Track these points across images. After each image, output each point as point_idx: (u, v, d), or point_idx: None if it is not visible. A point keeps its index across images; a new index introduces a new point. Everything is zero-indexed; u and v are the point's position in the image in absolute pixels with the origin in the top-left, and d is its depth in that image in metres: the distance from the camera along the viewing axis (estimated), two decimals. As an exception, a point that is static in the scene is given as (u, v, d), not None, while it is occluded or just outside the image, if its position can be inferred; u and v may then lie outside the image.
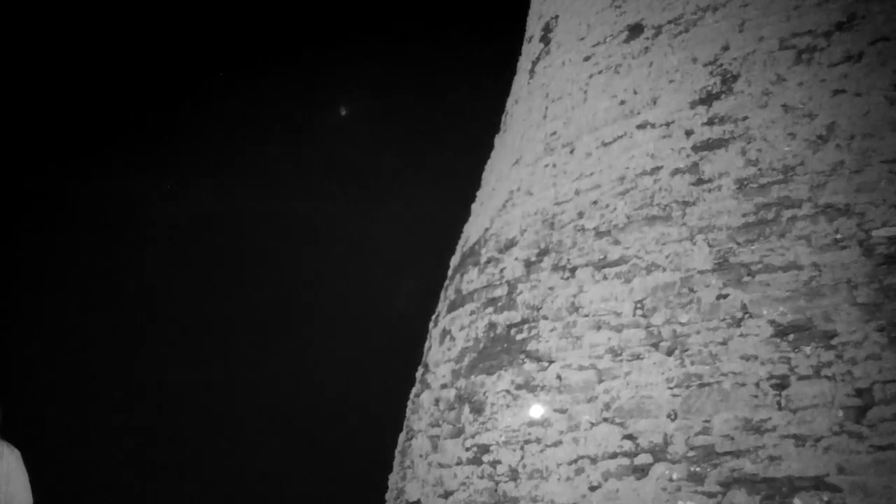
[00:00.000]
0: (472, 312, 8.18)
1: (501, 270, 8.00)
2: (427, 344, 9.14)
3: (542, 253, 7.64)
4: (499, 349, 7.64)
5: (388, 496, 9.02)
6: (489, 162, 9.65)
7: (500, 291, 7.93)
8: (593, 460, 6.60)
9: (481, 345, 7.89)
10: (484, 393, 7.62)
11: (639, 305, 6.72)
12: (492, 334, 7.79)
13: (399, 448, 9.07)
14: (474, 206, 9.43)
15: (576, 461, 6.72)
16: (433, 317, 9.25)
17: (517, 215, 8.19)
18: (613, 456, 6.49)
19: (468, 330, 8.16)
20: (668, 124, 7.20)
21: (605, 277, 7.04)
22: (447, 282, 9.28)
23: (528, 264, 7.73)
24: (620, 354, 6.69)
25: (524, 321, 7.52)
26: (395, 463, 9.07)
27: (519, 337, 7.49)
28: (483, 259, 8.37)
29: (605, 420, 6.62)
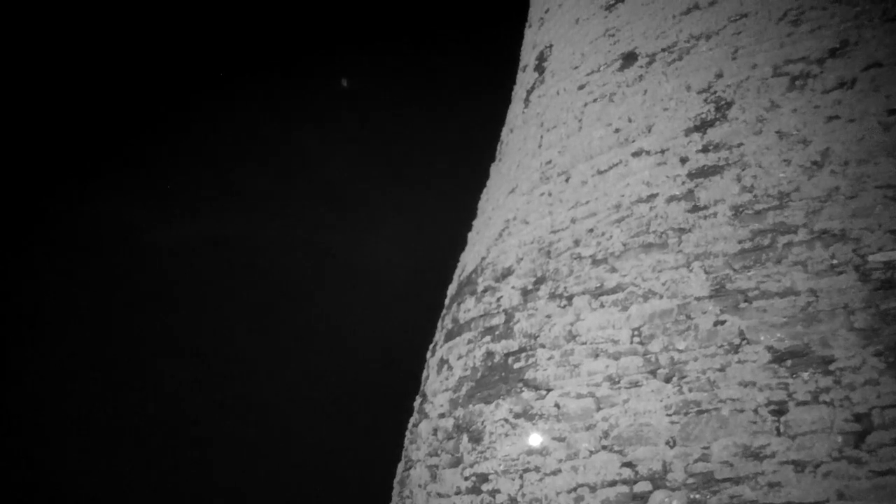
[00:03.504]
0: (470, 341, 8.17)
1: (498, 299, 8.00)
2: (425, 374, 9.12)
3: (539, 281, 7.63)
4: (496, 378, 7.62)
5: (386, 527, 8.98)
6: (485, 191, 9.66)
7: (498, 320, 7.92)
8: (592, 489, 6.58)
9: (479, 374, 7.87)
10: (482, 422, 7.60)
11: (636, 333, 6.72)
12: (489, 363, 7.77)
13: (397, 478, 9.04)
14: (471, 235, 9.43)
15: (575, 489, 6.69)
16: (430, 346, 9.24)
17: (513, 244, 8.19)
18: (612, 484, 6.46)
19: (466, 359, 8.14)
20: (662, 151, 7.22)
21: (602, 305, 7.03)
22: (444, 311, 9.27)
23: (525, 293, 7.72)
24: (618, 382, 6.68)
25: (522, 350, 7.50)
26: (394, 493, 9.04)
27: (517, 365, 7.47)
28: (480, 288, 8.37)
29: (604, 448, 6.60)
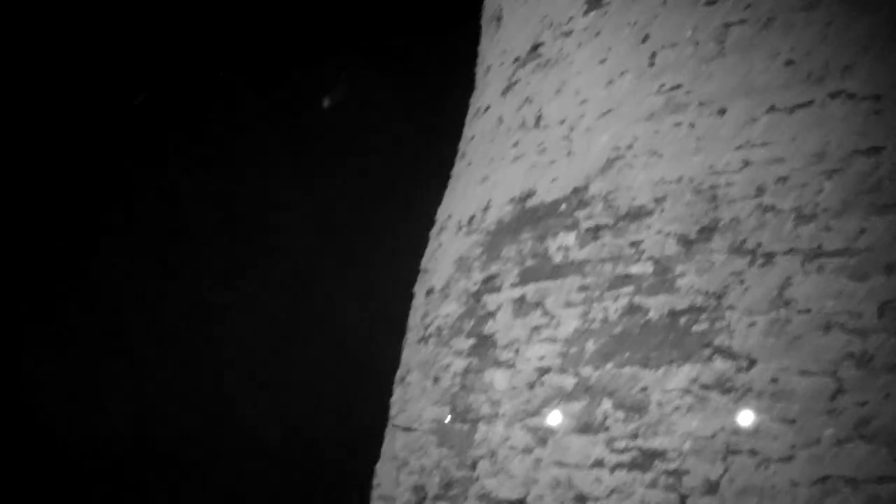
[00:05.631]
0: (586, 288, 7.07)
1: (636, 244, 6.95)
2: (475, 312, 7.75)
3: (708, 230, 6.71)
4: (659, 339, 6.67)
5: (443, 489, 7.62)
6: (530, 105, 8.24)
7: (642, 269, 6.91)
8: (851, 481, 5.89)
9: (618, 329, 6.86)
10: (642, 389, 6.63)
11: (889, 308, 6.05)
12: (640, 319, 6.78)
13: (441, 432, 7.69)
14: (523, 151, 8.04)
15: (822, 481, 5.96)
16: (480, 281, 7.85)
17: (643, 179, 7.13)
18: (881, 480, 5.82)
19: (583, 308, 7.07)
20: (877, 98, 6.50)
21: (820, 269, 6.27)
22: (486, 238, 7.91)
23: (687, 241, 6.76)
24: (869, 363, 5.99)
25: (699, 309, 6.59)
26: (433, 446, 7.68)
27: (697, 328, 6.54)
28: (585, 224, 7.24)
29: (862, 438, 5.91)
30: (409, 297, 9.26)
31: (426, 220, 9.41)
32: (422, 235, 9.37)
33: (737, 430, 6.23)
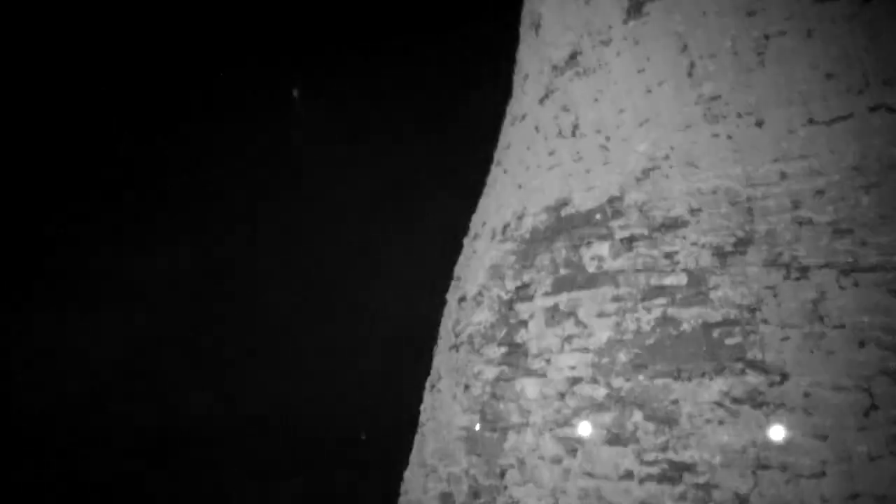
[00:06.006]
0: (619, 298, 7.00)
1: (670, 255, 6.87)
2: (508, 320, 7.72)
3: (744, 243, 6.63)
4: (691, 351, 6.58)
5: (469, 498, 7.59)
6: (567, 113, 8.19)
7: (676, 280, 6.83)
8: (882, 499, 5.80)
9: (650, 340, 6.78)
10: (674, 401, 6.54)
11: (923, 324, 5.96)
12: (672, 331, 6.70)
13: (470, 440, 7.66)
14: (559, 160, 8.00)
15: (853, 498, 5.87)
16: (511, 291, 7.81)
17: (678, 189, 7.06)
18: None
19: (616, 318, 6.98)
20: None
21: (856, 284, 6.18)
22: (520, 246, 7.88)
23: (722, 254, 6.67)
24: None
25: (732, 322, 6.51)
26: (462, 454, 7.65)
27: (730, 341, 6.46)
28: (620, 234, 7.17)
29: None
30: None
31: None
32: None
33: (768, 445, 6.15)
